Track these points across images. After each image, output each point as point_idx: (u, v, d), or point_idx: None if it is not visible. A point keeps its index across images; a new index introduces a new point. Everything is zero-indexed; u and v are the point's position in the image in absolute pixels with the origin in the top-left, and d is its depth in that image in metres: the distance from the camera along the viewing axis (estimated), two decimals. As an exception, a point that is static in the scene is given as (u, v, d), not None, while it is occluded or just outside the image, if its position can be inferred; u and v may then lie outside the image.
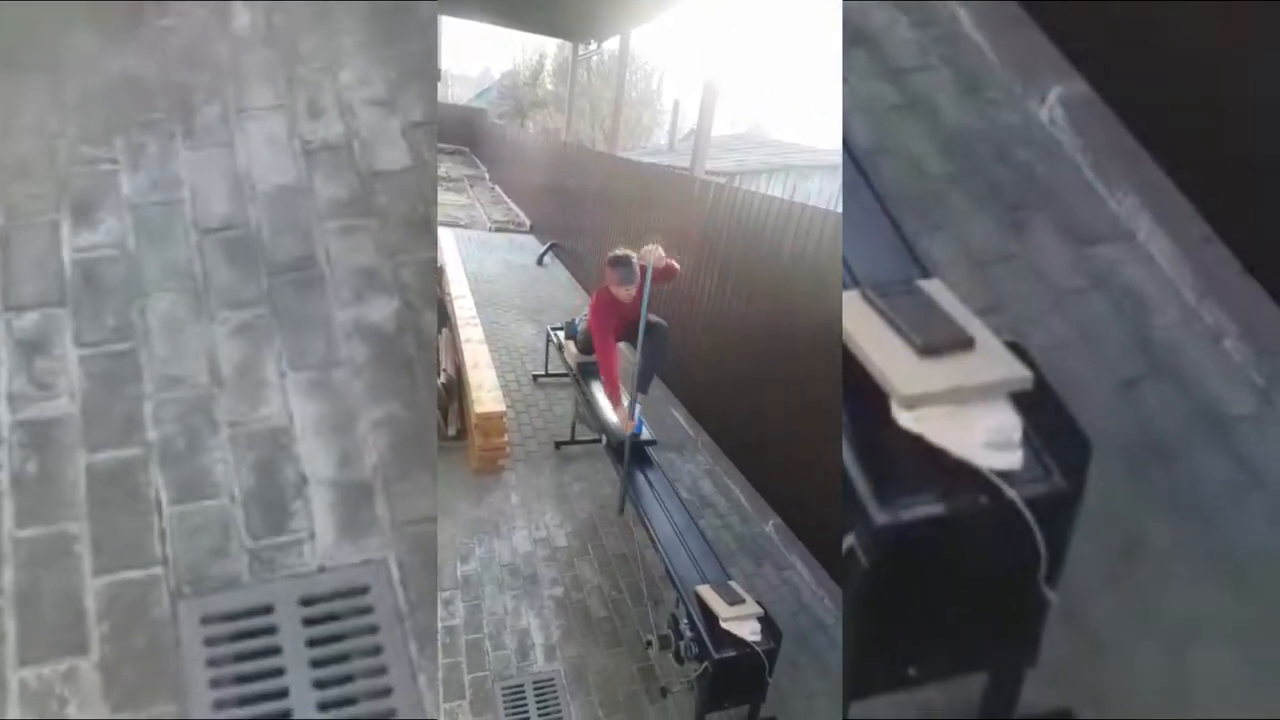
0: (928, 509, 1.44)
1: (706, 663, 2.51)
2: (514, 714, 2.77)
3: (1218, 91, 1.93)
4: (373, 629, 1.68)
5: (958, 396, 1.52)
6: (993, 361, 1.56)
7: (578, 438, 5.05)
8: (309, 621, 1.67)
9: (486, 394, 4.62)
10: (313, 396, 1.81)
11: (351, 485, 1.76)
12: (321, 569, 1.71)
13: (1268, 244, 1.90)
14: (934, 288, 1.67)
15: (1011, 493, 1.45)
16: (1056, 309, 1.97)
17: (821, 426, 3.84)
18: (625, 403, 4.00)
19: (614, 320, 4.15)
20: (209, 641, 1.63)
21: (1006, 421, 1.51)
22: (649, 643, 2.93)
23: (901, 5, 2.30)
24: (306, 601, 1.68)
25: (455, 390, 5.12)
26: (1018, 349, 1.57)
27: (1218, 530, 1.77)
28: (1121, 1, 2.06)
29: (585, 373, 4.77)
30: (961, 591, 1.52)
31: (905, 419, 1.52)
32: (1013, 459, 1.49)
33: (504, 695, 2.83)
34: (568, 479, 4.66)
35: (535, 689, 2.89)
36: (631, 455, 3.88)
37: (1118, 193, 2.04)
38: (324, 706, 1.62)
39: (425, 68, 2.11)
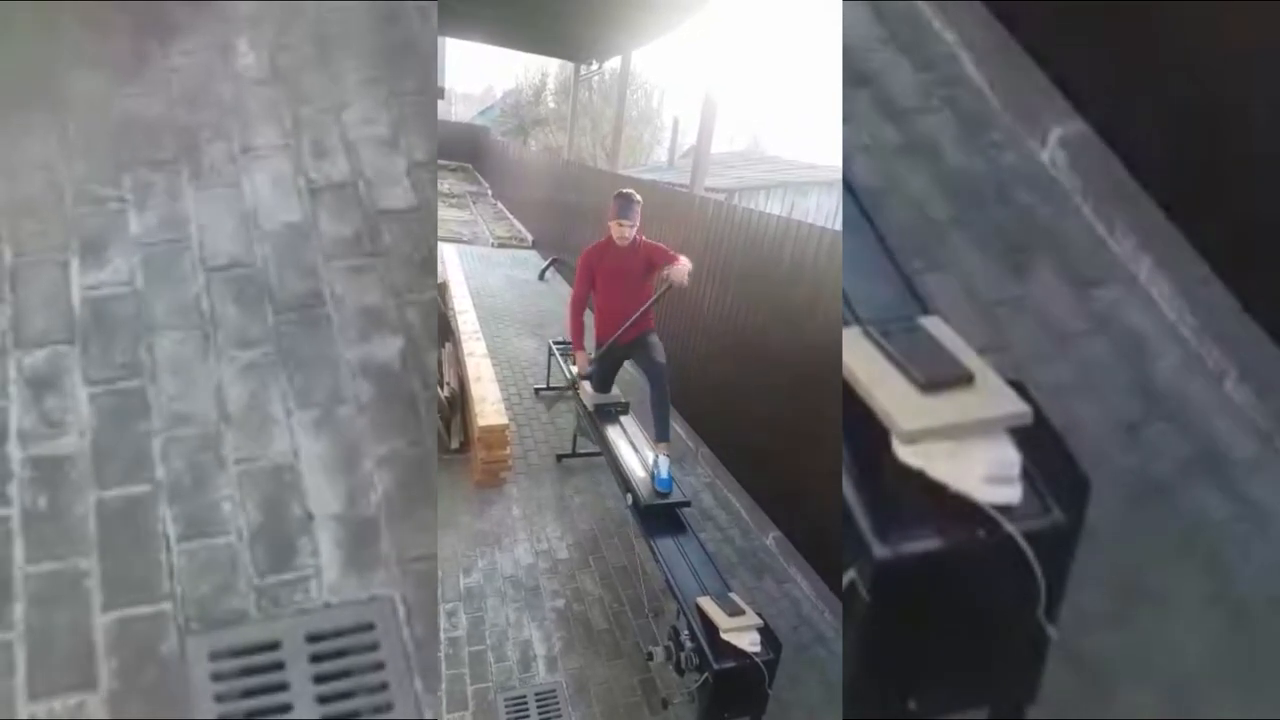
0: (927, 543, 1.45)
1: (707, 674, 2.51)
2: None
3: (1217, 132, 1.93)
4: (379, 665, 1.67)
5: (958, 432, 1.52)
6: (992, 397, 1.56)
7: (579, 450, 5.04)
8: (315, 658, 1.66)
9: (489, 407, 4.61)
10: (319, 434, 1.80)
11: (357, 522, 1.75)
12: (328, 605, 1.70)
13: (1266, 284, 1.90)
14: (934, 324, 1.67)
15: (1010, 527, 1.45)
16: (1058, 350, 1.96)
17: (822, 439, 3.83)
18: (585, 354, 4.08)
19: (604, 263, 4.03)
20: (216, 677, 1.62)
21: (1006, 457, 1.51)
22: (650, 654, 2.92)
23: (903, 47, 2.29)
24: (313, 638, 1.67)
25: (458, 403, 5.11)
26: (1017, 385, 1.56)
27: (1219, 572, 1.76)
28: (1122, 44, 2.06)
29: (603, 416, 4.49)
30: (961, 626, 1.52)
31: (906, 454, 1.52)
32: (1012, 494, 1.49)
33: (507, 706, 2.83)
34: (569, 491, 4.65)
35: (537, 700, 2.88)
36: (660, 519, 3.55)
37: (1118, 234, 2.04)
38: (330, 742, 1.61)
39: (425, 108, 2.11)
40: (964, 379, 1.58)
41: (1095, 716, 1.67)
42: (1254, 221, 1.85)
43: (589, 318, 4.28)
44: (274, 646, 1.66)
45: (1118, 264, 2.02)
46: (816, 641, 3.51)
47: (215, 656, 1.63)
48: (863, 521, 1.50)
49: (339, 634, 1.68)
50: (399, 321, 1.90)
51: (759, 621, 2.66)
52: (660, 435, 3.90)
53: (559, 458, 5.07)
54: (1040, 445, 1.53)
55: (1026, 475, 1.51)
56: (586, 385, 4.63)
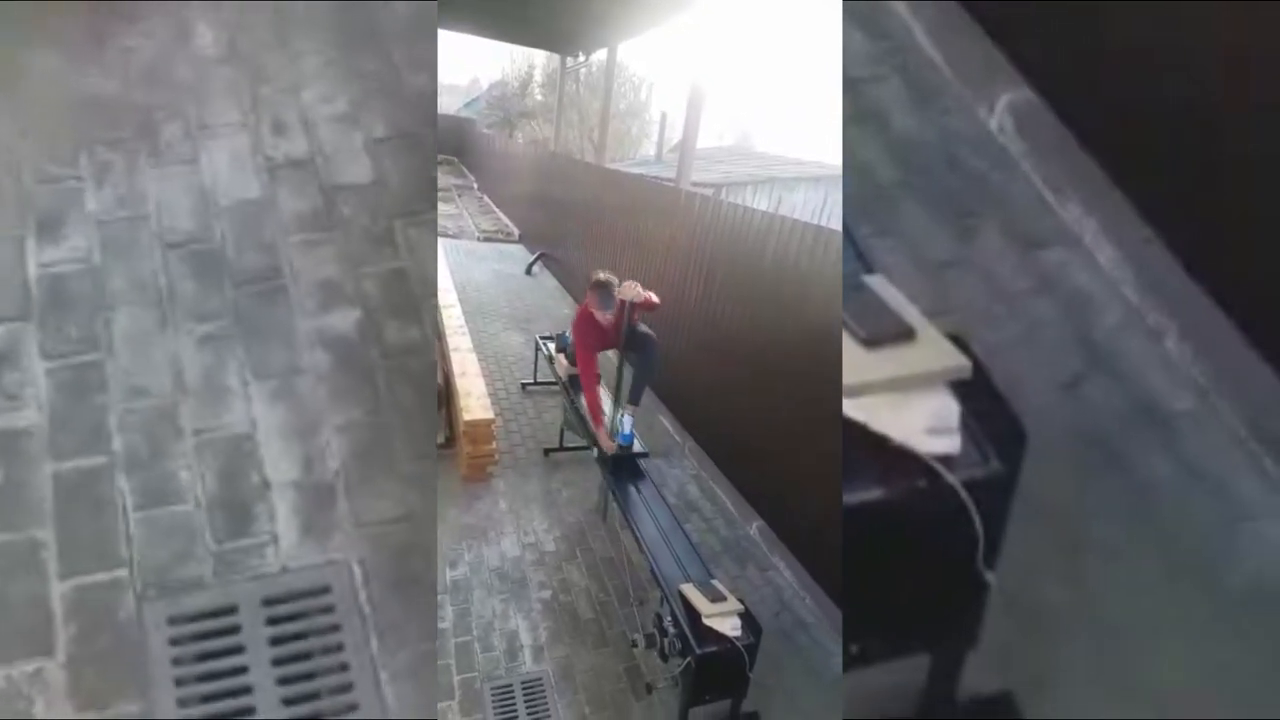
0: (868, 493, 1.49)
1: (689, 658, 2.56)
2: (503, 713, 2.81)
3: (1161, 97, 1.98)
4: (335, 627, 1.72)
5: (899, 385, 1.57)
6: (933, 351, 1.61)
7: (566, 444, 5.09)
8: (272, 621, 1.72)
9: (475, 402, 4.65)
10: (276, 404, 1.86)
11: (314, 489, 1.80)
12: (284, 570, 1.75)
13: (1207, 245, 1.95)
14: (878, 283, 1.72)
15: (950, 477, 1.49)
16: (1003, 310, 2.01)
17: (806, 432, 3.89)
18: (606, 423, 4.08)
19: (596, 338, 4.21)
20: (174, 641, 1.67)
21: (946, 409, 1.56)
22: (634, 642, 2.98)
23: (857, 18, 2.34)
24: (269, 602, 1.73)
25: (444, 398, 5.15)
26: (957, 341, 1.61)
27: (1158, 522, 1.82)
28: (1068, 11, 2.11)
29: (576, 385, 4.74)
30: (902, 573, 1.56)
31: (849, 407, 1.57)
32: (951, 444, 1.54)
33: (493, 695, 2.88)
34: (556, 485, 4.70)
35: (524, 689, 2.93)
36: (621, 467, 3.94)
37: (1063, 198, 2.09)
38: (287, 703, 1.66)
39: (392, 83, 2.16)
40: (906, 334, 1.63)
41: (1036, 662, 1.72)
42: (1196, 184, 1.90)
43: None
44: (231, 611, 1.71)
45: (1063, 227, 2.07)
46: (798, 627, 3.56)
47: (173, 621, 1.69)
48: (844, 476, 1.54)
49: (295, 597, 1.73)
50: (356, 293, 1.96)
51: (740, 607, 2.71)
52: (632, 399, 4.15)
53: (546, 452, 5.12)
54: (980, 399, 1.59)
55: (966, 427, 1.56)
56: (562, 358, 4.93)
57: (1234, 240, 1.86)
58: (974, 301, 2.01)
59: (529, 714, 2.81)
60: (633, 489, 3.79)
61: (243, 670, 1.68)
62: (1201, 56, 1.87)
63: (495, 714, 2.79)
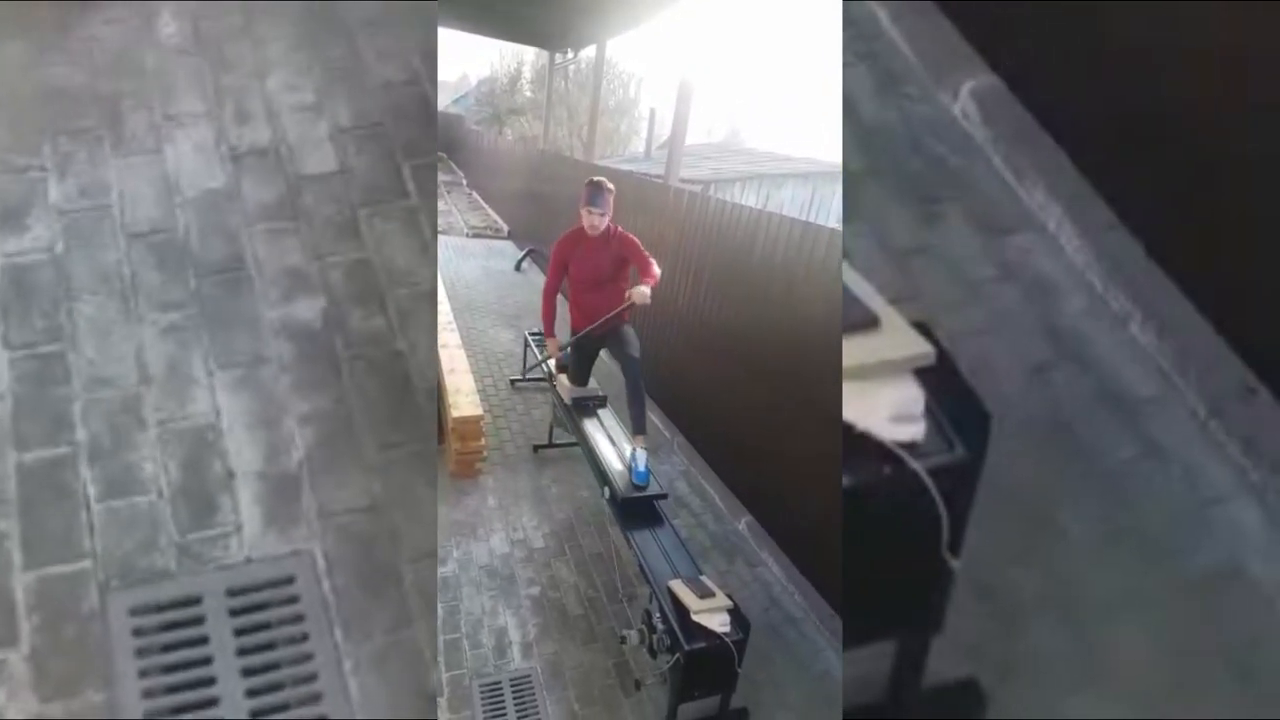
0: (849, 479, 1.50)
1: (678, 654, 2.57)
2: (491, 710, 2.82)
3: (1124, 83, 2.00)
4: (298, 618, 1.74)
5: (863, 372, 1.58)
6: (897, 338, 1.63)
7: (555, 441, 5.11)
8: (235, 611, 1.73)
9: (464, 398, 4.66)
10: (240, 393, 1.87)
11: (278, 478, 1.82)
12: (248, 560, 1.77)
13: (1169, 229, 1.97)
14: (842, 271, 1.73)
15: (914, 463, 1.51)
16: (969, 296, 2.03)
17: (795, 427, 3.91)
18: (556, 341, 4.15)
19: (576, 254, 4.05)
20: (137, 632, 1.69)
21: (909, 395, 1.57)
22: (623, 638, 3.00)
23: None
24: (233, 592, 1.74)
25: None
26: (922, 328, 1.63)
27: (1124, 507, 1.84)
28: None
29: (580, 409, 4.50)
30: (867, 559, 1.58)
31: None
32: (915, 431, 1.55)
33: (481, 692, 2.89)
34: (545, 482, 4.71)
35: (512, 686, 2.95)
36: (634, 510, 3.59)
37: (1028, 184, 2.11)
38: (251, 693, 1.68)
39: (356, 73, 2.18)
40: (870, 322, 1.65)
41: (1003, 647, 1.74)
42: (1159, 169, 1.92)
43: (563, 305, 4.33)
44: (195, 601, 1.73)
45: (1028, 213, 2.09)
46: (786, 622, 3.57)
47: (136, 612, 1.70)
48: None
49: (259, 588, 1.75)
50: (321, 282, 1.98)
51: (729, 603, 2.73)
52: (637, 428, 3.95)
53: (535, 448, 5.13)
54: (945, 385, 1.60)
55: (930, 414, 1.57)
56: (564, 379, 4.64)
57: (1198, 225, 1.88)
58: (939, 288, 2.02)
59: (518, 711, 2.82)
60: (647, 533, 3.42)
61: (207, 661, 1.69)
62: (1165, 42, 1.89)
63: (484, 711, 2.81)
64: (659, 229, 5.94)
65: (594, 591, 3.63)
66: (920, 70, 2.27)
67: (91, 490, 1.76)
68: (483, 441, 4.67)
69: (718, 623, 2.62)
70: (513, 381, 6.34)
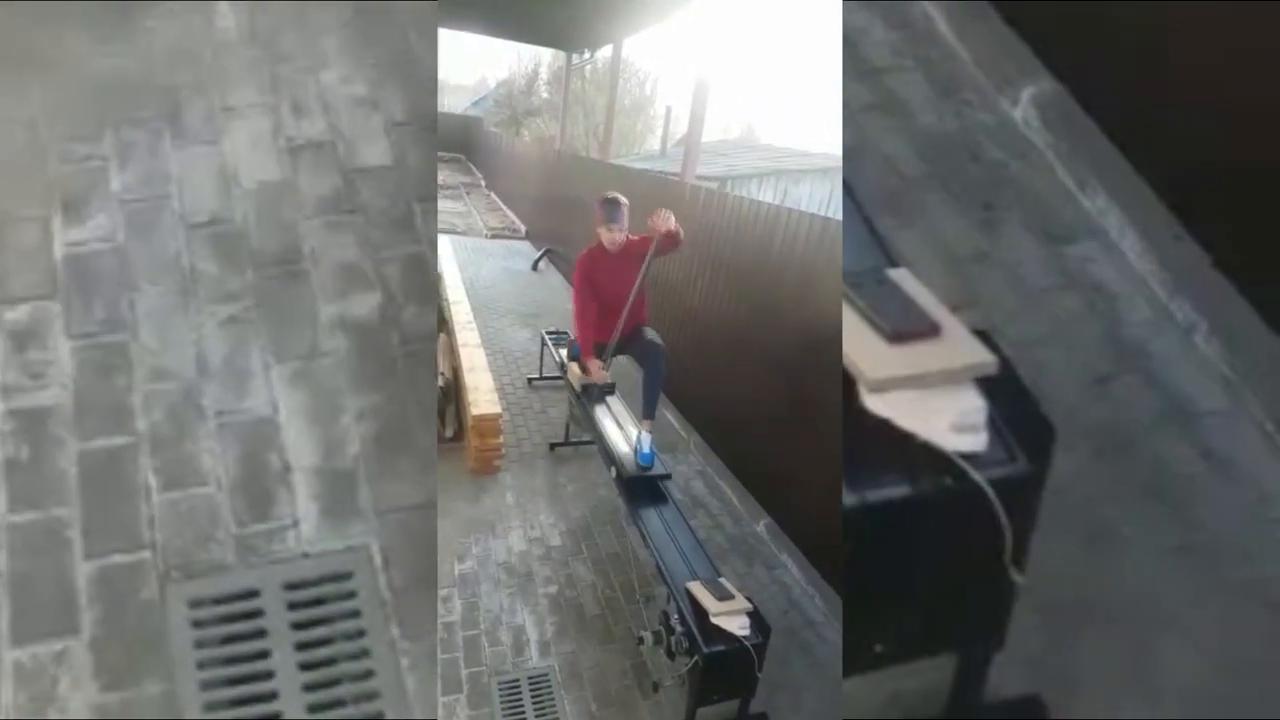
0: (893, 490, 1.48)
1: (697, 657, 2.54)
2: (510, 708, 2.81)
3: (1189, 88, 1.97)
4: (355, 613, 1.73)
5: (924, 381, 1.56)
6: (958, 347, 1.60)
7: (571, 439, 5.10)
8: (293, 606, 1.72)
9: (483, 396, 4.67)
10: (297, 387, 1.86)
11: (334, 473, 1.81)
12: (305, 555, 1.75)
13: (1235, 239, 1.94)
14: (902, 277, 1.71)
15: (976, 475, 1.48)
16: (1029, 306, 2.01)
17: (813, 426, 3.89)
18: (596, 361, 4.04)
19: (601, 274, 4.05)
20: (196, 624, 1.68)
21: (971, 405, 1.55)
22: (641, 639, 2.98)
23: (877, 7, 2.34)
24: (291, 586, 1.73)
25: (452, 393, 5.16)
26: (983, 336, 1.61)
27: (1188, 520, 1.81)
28: (1090, 2, 2.11)
29: (589, 395, 4.58)
30: (927, 571, 1.56)
31: (873, 403, 1.56)
32: (977, 441, 1.53)
33: (500, 690, 2.89)
34: (562, 479, 4.71)
35: (530, 684, 2.94)
36: (640, 488, 3.73)
37: (1089, 191, 2.09)
38: (308, 688, 1.67)
39: (407, 67, 2.17)
40: (931, 329, 1.62)
41: (1063, 662, 1.72)
42: (1225, 177, 1.90)
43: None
44: (253, 595, 1.72)
45: (1089, 220, 2.07)
46: (806, 626, 3.56)
47: (195, 604, 1.69)
48: (849, 472, 1.53)
49: (317, 583, 1.73)
50: (376, 277, 1.96)
51: (748, 606, 2.70)
52: (647, 413, 4.01)
53: (552, 446, 5.13)
54: (1007, 395, 1.58)
55: (993, 424, 1.55)
56: (574, 367, 4.71)
57: (1264, 234, 1.86)
58: (999, 296, 2.00)
59: (536, 709, 2.82)
60: (654, 512, 3.58)
61: (265, 655, 1.68)
62: (1232, 47, 1.86)
63: (503, 709, 2.80)
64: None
65: (611, 591, 3.62)
66: (980, 76, 2.25)
67: (152, 481, 1.75)
68: (501, 439, 4.68)
69: (737, 625, 2.60)
70: (530, 380, 6.33)
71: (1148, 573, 1.77)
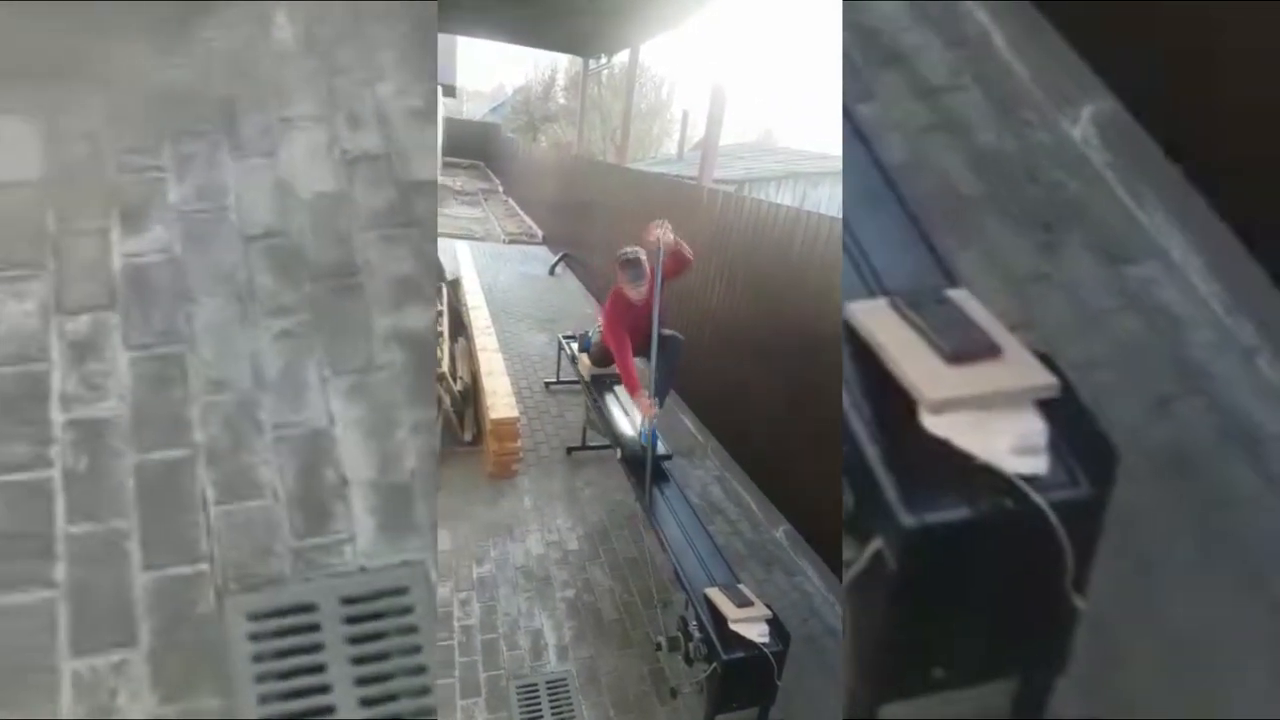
0: (953, 513, 1.46)
1: (715, 664, 2.53)
2: (528, 713, 2.81)
3: (1251, 108, 1.94)
4: (412, 629, 1.72)
5: (984, 402, 1.55)
6: (1019, 368, 1.59)
7: (588, 443, 5.09)
8: (350, 620, 1.71)
9: (500, 400, 4.67)
10: (353, 400, 1.85)
11: (390, 488, 1.80)
12: (362, 569, 1.74)
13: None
14: (962, 297, 1.70)
15: (1037, 497, 1.47)
16: (1089, 327, 1.98)
17: (833, 432, 3.86)
18: (645, 395, 4.01)
19: (628, 319, 4.15)
20: (253, 637, 1.67)
21: (1032, 427, 1.53)
22: (659, 645, 2.97)
23: (935, 26, 2.32)
24: (347, 600, 1.72)
25: (471, 397, 5.16)
26: (1044, 358, 1.59)
27: (1250, 548, 1.78)
28: (1152, 19, 2.07)
29: (598, 384, 4.80)
30: (987, 595, 1.54)
31: (932, 424, 1.54)
32: (1038, 464, 1.51)
33: (518, 694, 2.88)
34: (579, 483, 4.71)
35: (549, 688, 2.94)
36: (643, 467, 3.86)
37: (1150, 211, 2.07)
38: (365, 703, 1.66)
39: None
40: (991, 351, 1.61)
41: (1121, 690, 1.70)
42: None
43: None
44: (310, 608, 1.71)
45: (1150, 241, 2.04)
46: (826, 634, 3.54)
47: (252, 617, 1.68)
48: (890, 492, 1.51)
49: (374, 597, 1.72)
50: (430, 291, 1.95)
51: (767, 613, 2.69)
52: (655, 394, 4.06)
53: (569, 450, 5.13)
54: (1069, 417, 1.56)
55: (1054, 446, 1.53)
56: (585, 358, 4.94)
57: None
58: (1059, 317, 1.98)
59: (554, 714, 2.82)
60: (655, 491, 3.73)
61: (321, 669, 1.67)
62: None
63: (521, 713, 2.80)
64: (691, 231, 5.87)
65: (629, 596, 3.61)
66: (1038, 94, 2.23)
67: (210, 493, 1.73)
68: (519, 443, 4.68)
69: (756, 633, 2.58)
70: (547, 384, 6.32)
71: (1209, 599, 1.75)
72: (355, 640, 1.69)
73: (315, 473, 1.78)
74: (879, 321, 1.68)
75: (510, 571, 3.67)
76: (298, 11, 2.08)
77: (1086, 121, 2.16)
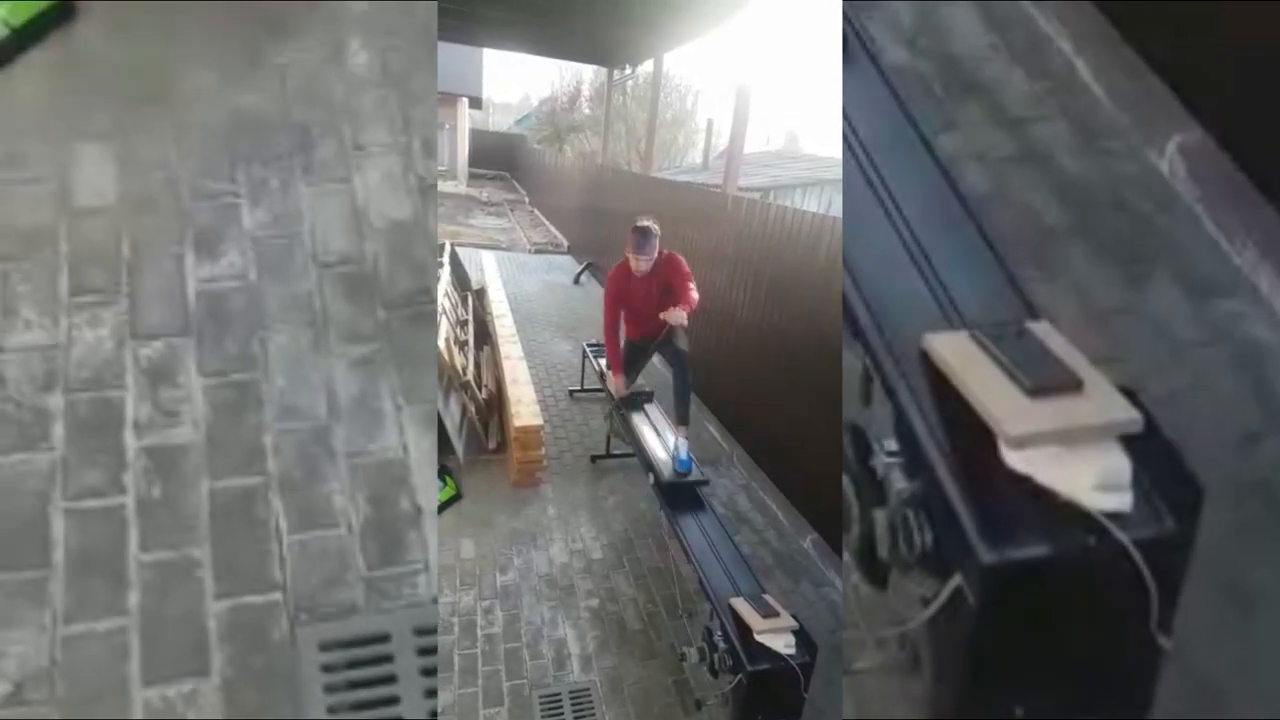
0: (1035, 550, 1.38)
1: (740, 675, 2.43)
2: None
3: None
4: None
5: (1066, 438, 1.46)
6: (1102, 403, 1.50)
7: (612, 452, 4.99)
8: (423, 651, 1.62)
9: (525, 408, 4.58)
10: (427, 430, 1.76)
11: (463, 517, 1.71)
12: (435, 600, 1.65)
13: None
14: (1043, 330, 1.61)
15: (1121, 535, 1.38)
16: (1175, 361, 1.89)
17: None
18: (623, 378, 4.06)
19: (626, 292, 4.05)
20: (326, 668, 1.58)
21: (1116, 464, 1.45)
22: (683, 655, 2.86)
23: (1017, 55, 2.23)
24: (420, 631, 1.63)
25: (495, 405, 5.07)
26: (1128, 393, 1.50)
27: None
28: (1241, 48, 1.98)
29: (629, 405, 4.62)
30: (1070, 633, 1.46)
31: (1013, 459, 1.46)
32: (1122, 501, 1.43)
33: (541, 704, 2.78)
34: (602, 492, 4.59)
35: (572, 698, 2.83)
36: (678, 495, 3.72)
37: (1239, 244, 1.97)
38: (437, 736, 1.56)
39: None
40: (1073, 384, 1.52)
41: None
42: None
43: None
44: (383, 639, 1.62)
45: (1238, 274, 1.95)
46: (857, 646, 3.44)
47: (325, 647, 1.59)
48: (970, 528, 1.43)
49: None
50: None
51: (794, 624, 2.57)
52: (680, 419, 3.99)
53: (593, 459, 5.01)
54: (1154, 453, 1.47)
55: (1139, 483, 1.45)
56: (614, 377, 4.69)
57: None
58: (1144, 351, 1.89)
59: None
60: (693, 521, 3.55)
61: (394, 701, 1.58)
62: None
63: None
64: (716, 238, 5.79)
65: (653, 606, 3.51)
66: (1124, 125, 2.13)
67: (283, 521, 1.65)
68: (543, 451, 4.58)
69: (782, 644, 2.47)
70: (571, 392, 6.23)
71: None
72: (428, 672, 1.61)
73: (389, 502, 1.70)
74: (958, 353, 1.60)
75: (534, 580, 3.56)
76: (372, 41, 2.00)
77: (1173, 152, 2.06)
